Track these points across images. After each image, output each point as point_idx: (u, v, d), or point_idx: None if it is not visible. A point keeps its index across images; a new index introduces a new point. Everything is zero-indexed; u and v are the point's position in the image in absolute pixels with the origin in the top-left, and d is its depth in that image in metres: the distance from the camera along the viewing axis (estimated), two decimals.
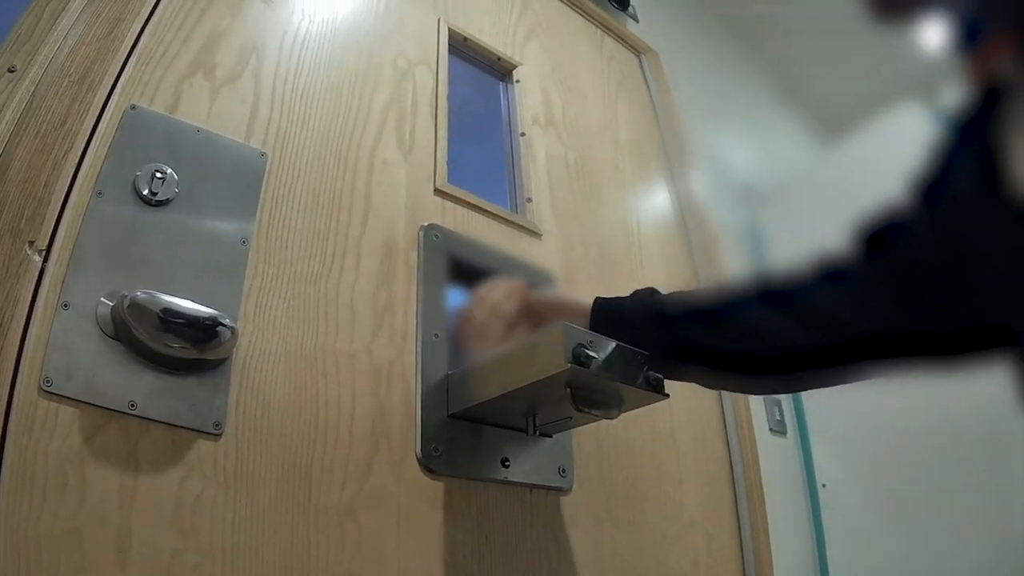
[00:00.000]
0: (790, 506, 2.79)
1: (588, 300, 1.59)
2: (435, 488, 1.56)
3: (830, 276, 1.28)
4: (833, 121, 4.02)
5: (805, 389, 1.56)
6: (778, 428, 2.90)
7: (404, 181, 1.86)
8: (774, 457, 2.72)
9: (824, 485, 2.94)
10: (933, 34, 1.05)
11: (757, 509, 2.30)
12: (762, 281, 1.40)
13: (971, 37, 0.99)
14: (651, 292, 1.58)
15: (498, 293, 1.69)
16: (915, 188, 1.14)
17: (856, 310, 1.22)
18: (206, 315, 1.26)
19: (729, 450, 2.39)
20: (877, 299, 1.19)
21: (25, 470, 1.10)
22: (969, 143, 1.01)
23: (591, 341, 1.35)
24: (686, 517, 2.10)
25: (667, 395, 1.46)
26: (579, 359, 1.31)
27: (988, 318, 1.04)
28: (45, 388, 1.15)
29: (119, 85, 1.45)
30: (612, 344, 1.39)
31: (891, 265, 1.17)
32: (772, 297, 1.35)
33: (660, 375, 1.43)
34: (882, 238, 1.20)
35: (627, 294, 1.58)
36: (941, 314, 1.12)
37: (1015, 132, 0.84)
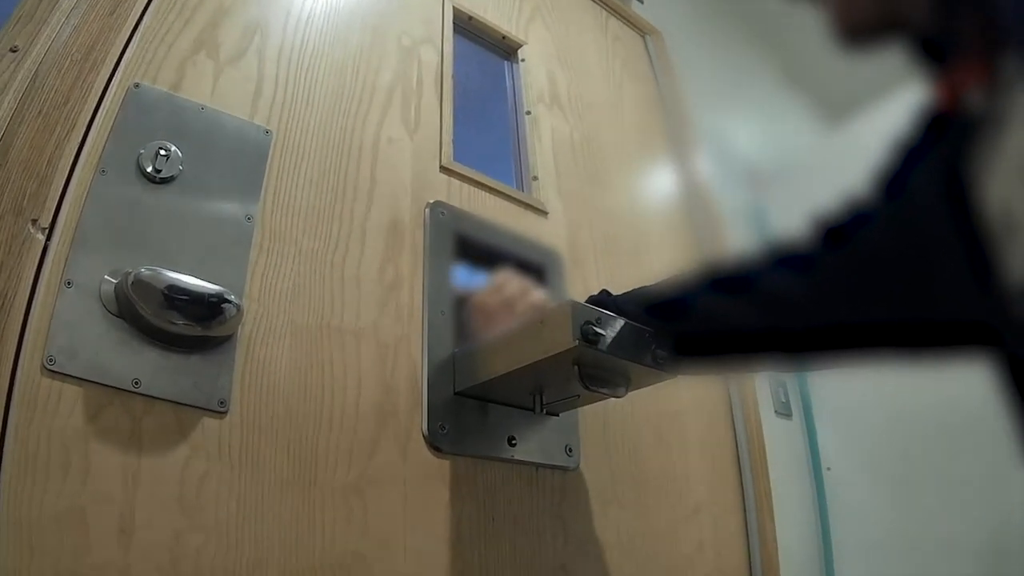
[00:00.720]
0: (795, 489, 2.79)
1: None
2: (441, 466, 1.56)
3: (784, 262, 1.28)
4: (837, 104, 4.01)
5: (770, 371, 1.58)
6: (783, 411, 2.90)
7: (409, 159, 1.85)
8: (779, 440, 2.72)
9: (829, 468, 2.95)
10: None
11: (762, 491, 2.30)
12: (716, 268, 1.41)
13: (938, 60, 0.99)
14: (607, 294, 1.59)
15: (514, 286, 1.69)
16: (877, 181, 1.14)
17: (812, 297, 1.23)
18: (211, 292, 1.26)
19: (735, 432, 2.39)
20: (834, 287, 1.20)
21: (28, 449, 1.10)
22: (933, 152, 1.01)
23: (599, 319, 1.35)
24: (692, 499, 2.10)
25: (674, 374, 1.47)
26: (587, 336, 1.30)
27: (955, 315, 1.04)
28: (48, 367, 1.15)
29: (122, 64, 1.45)
30: (620, 322, 1.39)
31: (850, 255, 1.17)
32: (725, 283, 1.36)
33: (666, 354, 1.42)
34: (841, 231, 1.20)
35: (627, 276, 1.58)
36: (899, 306, 1.12)
37: (986, 164, 0.84)
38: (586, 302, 1.53)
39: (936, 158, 0.99)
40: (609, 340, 1.34)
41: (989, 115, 0.84)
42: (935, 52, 0.99)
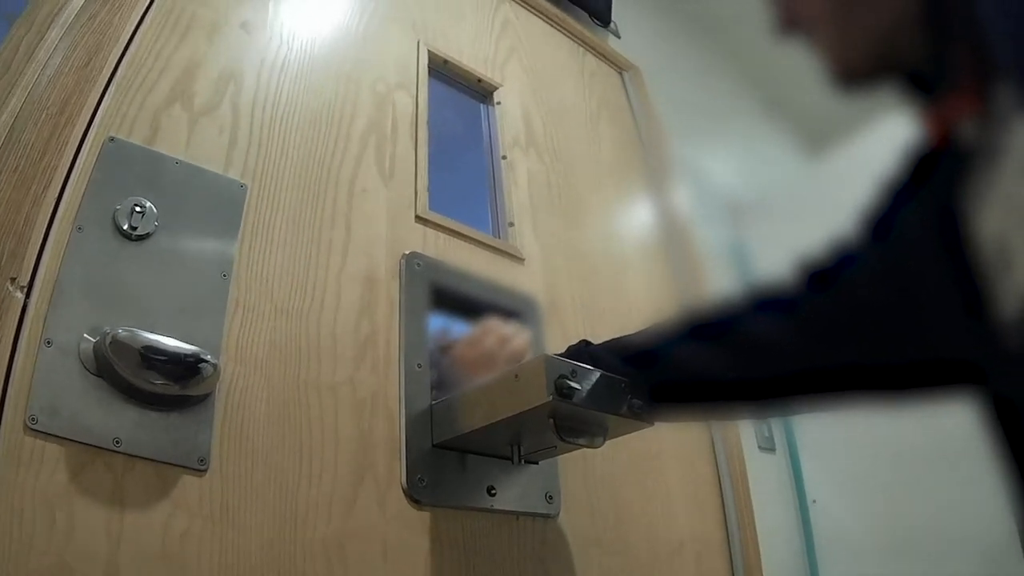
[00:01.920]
0: (781, 523, 2.80)
1: None
2: (421, 518, 1.56)
3: (765, 306, 1.28)
4: (817, 135, 4.03)
5: (752, 418, 1.58)
6: (767, 445, 2.90)
7: (384, 209, 1.85)
8: (764, 474, 2.73)
9: (815, 501, 2.95)
10: None
11: (747, 527, 2.29)
12: (695, 315, 1.42)
13: (928, 91, 1.00)
14: (585, 344, 1.60)
15: (494, 337, 1.69)
16: (863, 222, 1.14)
17: (796, 341, 1.23)
18: (187, 352, 1.26)
19: (718, 469, 2.38)
20: (819, 331, 1.21)
21: (12, 507, 1.10)
22: (923, 189, 1.02)
23: (574, 372, 1.35)
24: (675, 538, 2.10)
25: (651, 423, 1.47)
26: (561, 391, 1.30)
27: (942, 354, 1.04)
28: (31, 426, 1.15)
29: (97, 117, 1.45)
30: (595, 374, 1.39)
31: (836, 297, 1.18)
32: (705, 330, 1.37)
33: (642, 402, 1.43)
34: (826, 273, 1.20)
35: (607, 321, 1.58)
36: (885, 348, 1.12)
37: (979, 198, 0.84)
38: (564, 353, 1.53)
39: (925, 195, 1.00)
40: (584, 393, 1.34)
41: (982, 147, 0.84)
42: (924, 85, 1.00)
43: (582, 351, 1.55)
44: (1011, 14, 0.80)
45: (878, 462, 2.85)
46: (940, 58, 0.94)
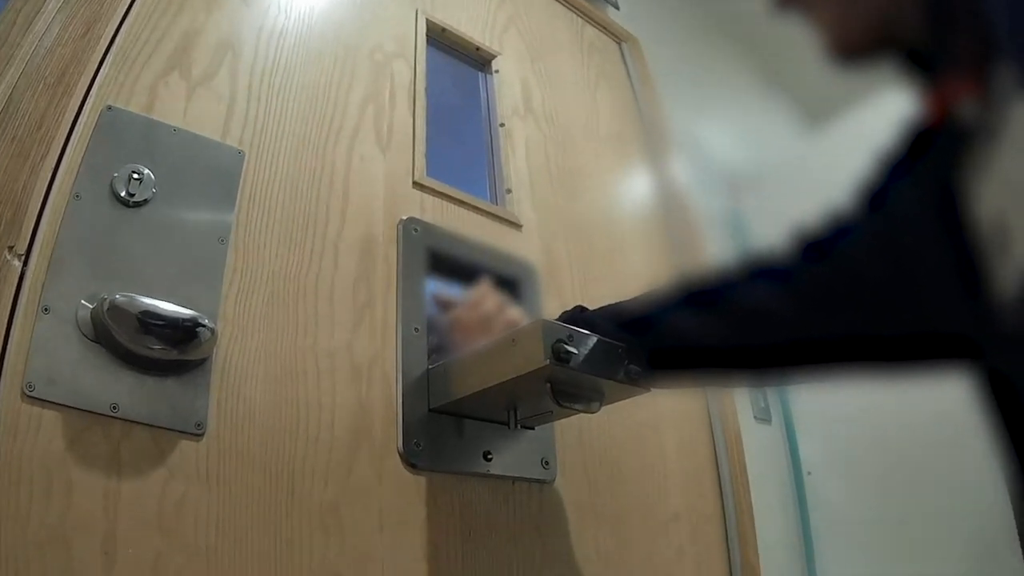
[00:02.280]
0: (776, 494, 2.80)
1: None
2: (417, 483, 1.56)
3: (760, 275, 1.29)
4: (816, 108, 4.01)
5: (747, 386, 1.58)
6: (763, 416, 2.90)
7: (382, 176, 1.86)
8: (759, 445, 2.73)
9: (810, 473, 2.95)
10: None
11: (742, 498, 2.30)
12: (691, 282, 1.42)
13: (927, 68, 1.00)
14: (581, 310, 1.61)
15: (491, 303, 1.69)
16: (860, 194, 1.15)
17: (790, 311, 1.23)
18: (185, 316, 1.26)
19: (713, 439, 2.39)
20: (814, 301, 1.21)
21: (10, 475, 1.10)
22: (919, 163, 1.02)
23: (571, 336, 1.35)
24: (670, 507, 2.11)
25: (648, 389, 1.47)
26: (558, 355, 1.31)
27: (938, 328, 1.05)
28: (28, 393, 1.15)
29: (95, 86, 1.45)
30: (592, 339, 1.39)
31: (831, 267, 1.18)
32: (700, 297, 1.37)
33: (639, 368, 1.43)
34: (821, 244, 1.20)
35: (603, 288, 1.58)
36: (880, 319, 1.13)
37: (978, 177, 0.85)
38: (559, 318, 1.54)
39: (923, 171, 1.00)
40: (581, 357, 1.34)
41: (981, 127, 0.84)
42: (923, 64, 1.00)
43: (578, 317, 1.55)
44: None
45: (874, 435, 2.85)
46: (939, 37, 0.94)
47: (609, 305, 1.56)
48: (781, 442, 2.98)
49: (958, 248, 0.89)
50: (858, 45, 1.03)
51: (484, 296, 1.71)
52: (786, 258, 1.26)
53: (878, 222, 1.11)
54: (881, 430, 2.81)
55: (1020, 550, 0.99)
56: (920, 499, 2.65)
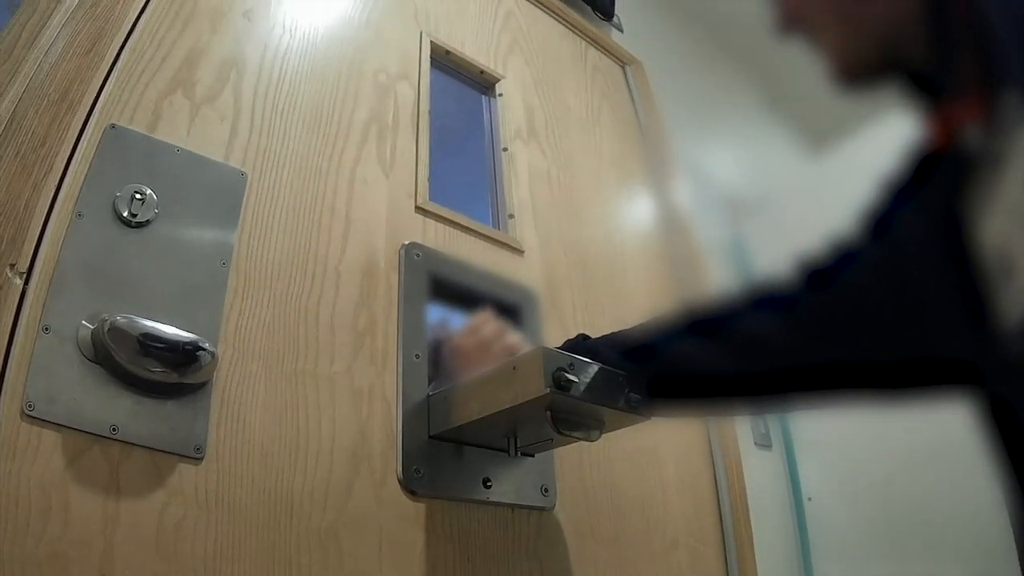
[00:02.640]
0: (776, 520, 2.80)
1: None
2: (417, 510, 1.56)
3: (763, 303, 1.28)
4: (818, 132, 4.02)
5: (748, 414, 1.58)
6: (763, 442, 2.90)
7: (385, 199, 1.85)
8: (759, 471, 2.72)
9: (810, 498, 2.95)
10: None
11: (742, 524, 2.29)
12: (694, 310, 1.42)
13: (931, 92, 1.00)
14: (584, 338, 1.60)
15: (490, 329, 1.69)
16: (864, 220, 1.14)
17: (795, 339, 1.23)
18: (186, 339, 1.26)
19: (713, 465, 2.38)
20: (818, 329, 1.20)
21: (9, 495, 1.10)
22: (924, 189, 1.02)
23: (571, 365, 1.35)
24: (670, 533, 2.10)
25: (649, 417, 1.47)
26: (559, 383, 1.30)
27: (941, 354, 1.04)
28: (28, 413, 1.15)
29: (99, 104, 1.44)
30: (593, 367, 1.39)
31: (835, 295, 1.18)
32: (704, 325, 1.37)
33: (639, 396, 1.43)
34: (825, 272, 1.20)
35: (605, 315, 1.58)
36: (884, 346, 1.12)
37: (982, 204, 0.84)
38: (562, 346, 1.53)
39: (927, 197, 1.00)
40: (581, 386, 1.34)
41: (986, 153, 0.84)
42: (928, 87, 1.00)
43: (580, 345, 1.55)
44: (1018, 20, 0.80)
45: (875, 461, 2.85)
46: (944, 60, 0.94)
47: (612, 333, 1.56)
48: (782, 468, 2.98)
49: (962, 275, 0.89)
50: (862, 68, 1.02)
51: (483, 323, 1.70)
52: (790, 286, 1.25)
53: (883, 249, 1.11)
54: (882, 456, 2.81)
55: None
56: (921, 526, 2.65)
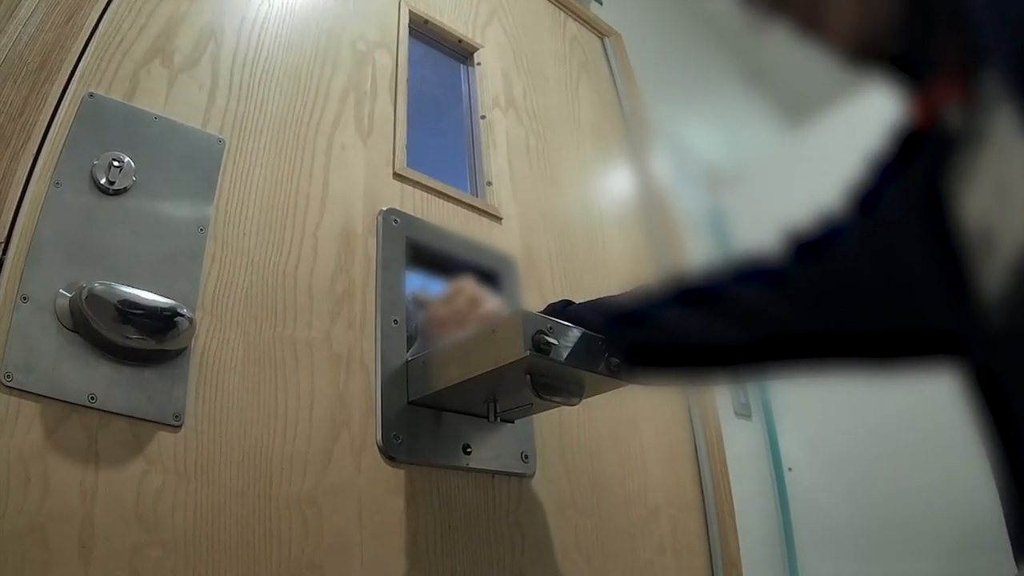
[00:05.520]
0: (756, 490, 2.81)
1: None
2: (396, 476, 1.56)
3: (753, 275, 1.29)
4: (798, 105, 4.02)
5: (731, 383, 1.59)
6: (743, 411, 2.91)
7: (363, 166, 1.85)
8: (740, 441, 2.74)
9: (791, 468, 2.96)
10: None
11: (723, 493, 2.30)
12: (682, 281, 1.42)
13: (913, 76, 1.00)
14: (566, 303, 1.60)
15: (468, 296, 1.69)
16: (851, 197, 1.15)
17: (784, 310, 1.24)
18: (164, 305, 1.26)
19: (694, 434, 2.39)
20: (808, 301, 1.21)
21: None
22: (909, 168, 1.02)
23: (551, 328, 1.35)
24: (651, 502, 2.11)
25: (629, 382, 1.47)
26: (538, 346, 1.30)
27: (926, 325, 1.05)
28: (6, 383, 1.15)
29: (77, 73, 1.44)
30: (573, 330, 1.39)
31: (824, 268, 1.19)
32: (692, 295, 1.37)
33: (620, 360, 1.43)
34: (813, 245, 1.21)
35: (584, 281, 1.58)
36: (871, 317, 1.13)
37: (964, 181, 0.85)
38: (544, 311, 1.53)
39: (912, 175, 1.01)
40: (561, 349, 1.34)
41: (967, 133, 0.85)
42: (910, 69, 1.00)
43: (563, 310, 1.55)
44: (994, 1, 0.81)
45: (855, 431, 2.85)
46: (924, 42, 0.94)
47: (597, 299, 1.56)
48: (762, 438, 2.99)
49: (946, 250, 0.89)
50: (843, 52, 1.03)
51: (460, 289, 1.70)
52: (779, 258, 1.26)
53: (870, 225, 1.12)
54: (863, 426, 2.82)
55: (1006, 545, 0.99)
56: (902, 495, 2.66)
